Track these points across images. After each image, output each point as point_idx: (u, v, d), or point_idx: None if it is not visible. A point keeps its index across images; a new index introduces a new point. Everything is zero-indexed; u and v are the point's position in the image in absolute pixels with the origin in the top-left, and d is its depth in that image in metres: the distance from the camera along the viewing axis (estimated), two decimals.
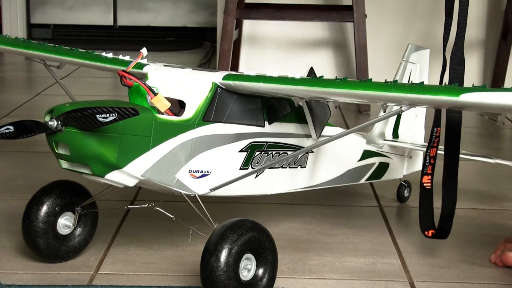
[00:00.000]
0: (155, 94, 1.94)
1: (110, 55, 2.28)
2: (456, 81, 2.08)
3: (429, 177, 2.18)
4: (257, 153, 2.10)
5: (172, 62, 2.18)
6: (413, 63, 2.57)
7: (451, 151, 2.15)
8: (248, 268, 1.88)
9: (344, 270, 2.15)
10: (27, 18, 6.79)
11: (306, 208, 2.63)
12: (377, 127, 2.60)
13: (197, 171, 2.00)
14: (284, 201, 2.63)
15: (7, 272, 2.09)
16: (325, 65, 4.81)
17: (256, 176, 2.13)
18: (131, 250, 2.24)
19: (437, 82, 1.83)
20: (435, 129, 2.18)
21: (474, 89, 1.70)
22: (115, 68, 2.17)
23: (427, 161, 2.18)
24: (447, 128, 2.15)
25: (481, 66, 4.75)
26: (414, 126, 2.66)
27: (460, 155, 2.18)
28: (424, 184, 2.18)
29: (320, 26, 4.81)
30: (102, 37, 6.91)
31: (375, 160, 2.51)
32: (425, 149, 2.58)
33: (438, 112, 2.18)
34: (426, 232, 2.18)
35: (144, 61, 2.16)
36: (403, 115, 2.61)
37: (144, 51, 2.04)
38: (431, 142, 2.18)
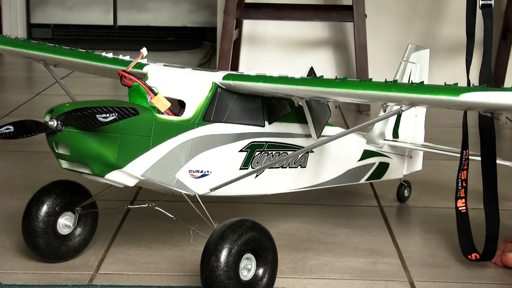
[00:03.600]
0: (155, 94, 1.94)
1: (110, 55, 2.28)
2: None
3: (463, 200, 2.18)
4: (257, 153, 2.10)
5: (172, 62, 2.18)
6: (413, 63, 2.57)
7: (488, 171, 2.16)
8: (248, 268, 1.88)
9: (344, 270, 2.15)
10: (27, 18, 6.79)
11: (306, 208, 2.63)
12: (377, 127, 2.60)
13: (197, 171, 2.00)
14: (284, 201, 2.63)
15: (7, 272, 2.09)
16: (325, 65, 4.81)
17: (256, 176, 2.13)
18: (131, 250, 2.24)
19: (436, 82, 1.83)
20: (464, 151, 2.18)
21: (474, 89, 1.70)
22: (115, 68, 2.17)
23: (459, 185, 2.17)
24: (482, 148, 2.15)
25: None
26: (414, 126, 2.66)
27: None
28: (460, 208, 2.18)
29: (320, 26, 4.81)
30: (102, 37, 6.91)
31: (375, 160, 2.51)
32: (425, 149, 2.60)
33: (465, 134, 2.18)
34: (469, 256, 2.17)
35: (144, 61, 2.16)
36: (403, 115, 2.61)
37: (144, 51, 2.04)
38: (462, 165, 2.17)
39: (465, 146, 2.18)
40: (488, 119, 2.12)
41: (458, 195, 2.18)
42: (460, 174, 2.18)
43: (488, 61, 2.14)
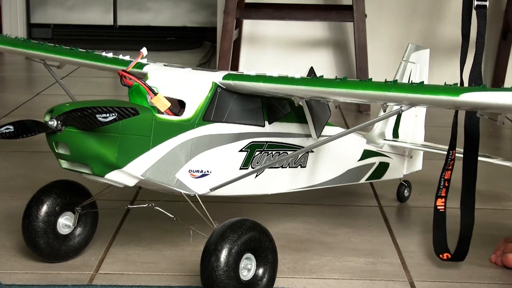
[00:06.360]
0: (155, 93, 1.94)
1: (110, 55, 2.28)
2: None
3: (443, 200, 2.18)
4: (257, 152, 2.10)
5: (172, 62, 2.18)
6: (413, 62, 2.57)
7: (468, 172, 2.15)
8: (248, 268, 1.88)
9: (344, 270, 2.15)
10: (27, 18, 6.79)
11: (306, 208, 2.63)
12: (377, 127, 2.60)
13: (197, 171, 2.00)
14: (284, 201, 2.63)
15: (7, 272, 2.09)
16: (325, 65, 4.81)
17: (256, 176, 2.13)
18: (131, 250, 2.24)
19: (436, 82, 1.83)
20: (450, 151, 2.18)
21: (474, 89, 1.70)
22: (115, 68, 2.17)
23: (441, 184, 2.17)
24: (465, 148, 2.15)
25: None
26: (414, 126, 2.66)
27: (462, 155, 2.17)
28: (438, 207, 2.18)
29: (320, 26, 4.81)
30: (102, 37, 6.91)
31: (375, 160, 2.51)
32: (425, 149, 2.60)
33: (454, 134, 2.18)
34: (441, 255, 2.17)
35: (144, 60, 2.16)
36: (403, 114, 2.61)
37: (144, 50, 2.04)
38: (447, 164, 2.18)
39: (452, 146, 2.18)
40: (473, 120, 2.12)
41: (439, 194, 2.18)
42: (443, 174, 2.18)
43: (478, 62, 2.15)
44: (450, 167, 2.18)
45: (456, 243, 2.16)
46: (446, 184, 2.17)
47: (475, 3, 2.15)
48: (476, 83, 2.13)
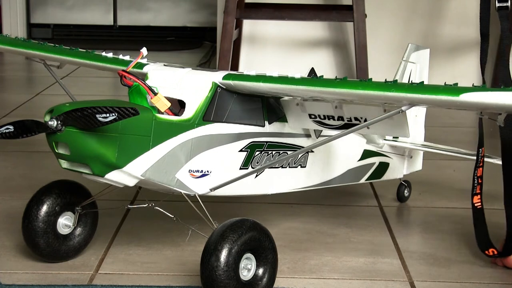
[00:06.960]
0: (155, 93, 1.94)
1: (110, 55, 2.28)
2: None
3: (479, 197, 2.20)
4: (257, 152, 2.10)
5: (172, 62, 2.18)
6: (413, 62, 2.57)
7: (509, 170, 2.16)
8: (248, 268, 1.89)
9: (344, 270, 2.15)
10: (27, 18, 6.79)
11: (306, 208, 2.63)
12: None
13: (197, 171, 2.00)
14: (284, 201, 2.63)
15: (7, 272, 2.09)
16: (325, 65, 4.81)
17: (256, 176, 2.13)
18: (131, 250, 2.24)
19: (436, 82, 1.83)
20: (480, 149, 2.20)
21: (474, 88, 1.70)
22: (115, 68, 2.17)
23: (475, 182, 2.20)
24: (502, 149, 2.17)
25: None
26: (414, 126, 2.66)
27: (462, 155, 2.18)
28: (475, 204, 2.20)
29: (320, 26, 4.81)
30: (102, 37, 6.91)
31: (375, 160, 2.51)
32: (425, 149, 2.60)
33: (481, 132, 2.20)
34: (486, 252, 2.18)
35: (144, 60, 2.16)
36: None
37: (144, 50, 2.04)
38: (478, 162, 2.20)
39: (481, 144, 2.20)
40: (509, 126, 2.14)
41: (474, 192, 2.20)
42: (476, 171, 2.19)
43: (505, 63, 2.16)
44: (481, 164, 2.20)
45: (505, 239, 2.17)
46: (480, 181, 2.20)
47: (496, 5, 2.16)
48: (505, 84, 2.13)
